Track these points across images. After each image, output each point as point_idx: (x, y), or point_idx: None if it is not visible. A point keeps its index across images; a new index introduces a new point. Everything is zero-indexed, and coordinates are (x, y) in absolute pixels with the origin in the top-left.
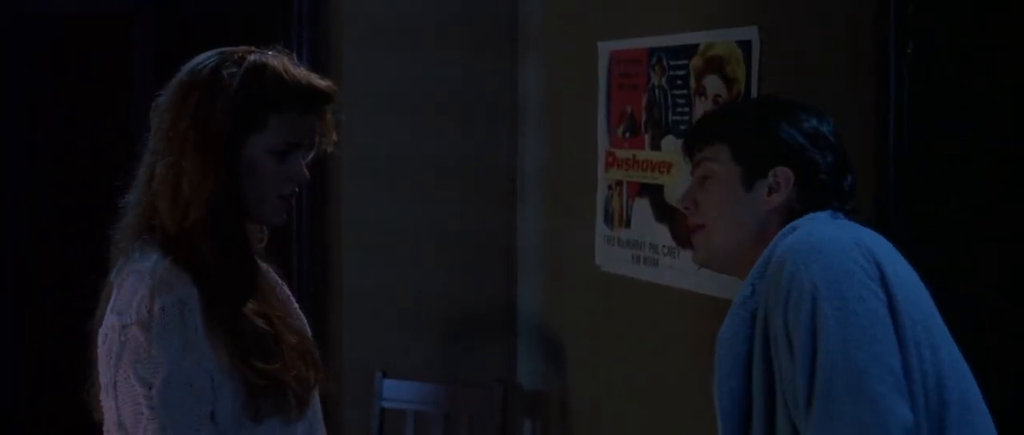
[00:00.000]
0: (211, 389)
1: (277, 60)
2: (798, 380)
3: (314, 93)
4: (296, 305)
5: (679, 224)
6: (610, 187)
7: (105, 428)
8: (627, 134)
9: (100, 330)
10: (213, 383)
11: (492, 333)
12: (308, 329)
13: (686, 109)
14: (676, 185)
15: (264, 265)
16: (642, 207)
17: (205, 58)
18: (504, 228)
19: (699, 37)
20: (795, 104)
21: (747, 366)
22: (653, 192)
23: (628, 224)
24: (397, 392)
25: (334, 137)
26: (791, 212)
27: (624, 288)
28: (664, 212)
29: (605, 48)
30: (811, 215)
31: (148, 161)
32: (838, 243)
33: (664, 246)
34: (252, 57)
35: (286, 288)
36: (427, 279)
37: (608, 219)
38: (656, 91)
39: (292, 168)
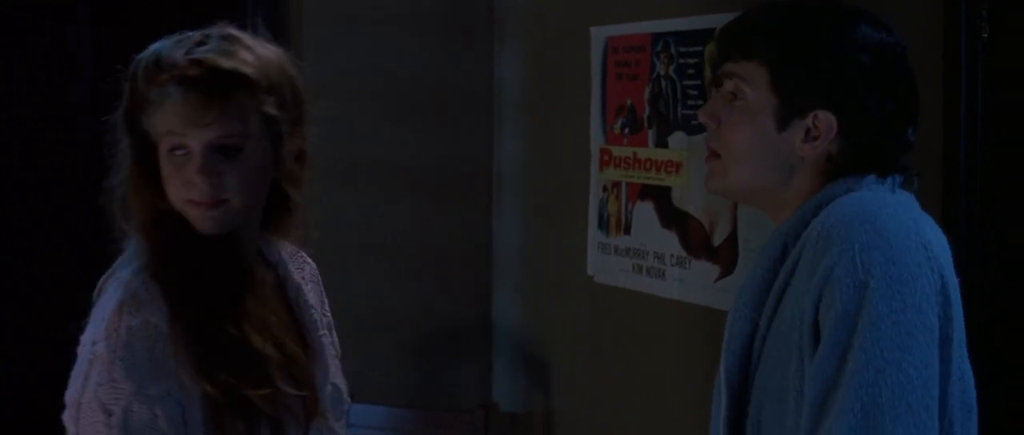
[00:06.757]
0: (181, 422)
1: (168, 44)
2: (818, 373)
3: (184, 80)
4: (314, 315)
5: (690, 233)
6: (605, 189)
7: None
8: (626, 130)
9: (81, 339)
10: (183, 415)
11: (467, 351)
12: (319, 343)
13: (700, 102)
14: (687, 187)
15: (291, 263)
16: (645, 211)
17: (144, 52)
18: (479, 234)
19: (715, 20)
20: (860, 18)
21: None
22: (659, 194)
23: (628, 230)
24: (365, 417)
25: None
26: (830, 163)
27: (621, 301)
28: (672, 217)
29: (599, 34)
30: (871, 180)
31: None
32: (903, 236)
33: (672, 255)
34: (153, 45)
35: (306, 292)
36: (395, 292)
37: (603, 224)
38: (662, 82)
39: (183, 171)
